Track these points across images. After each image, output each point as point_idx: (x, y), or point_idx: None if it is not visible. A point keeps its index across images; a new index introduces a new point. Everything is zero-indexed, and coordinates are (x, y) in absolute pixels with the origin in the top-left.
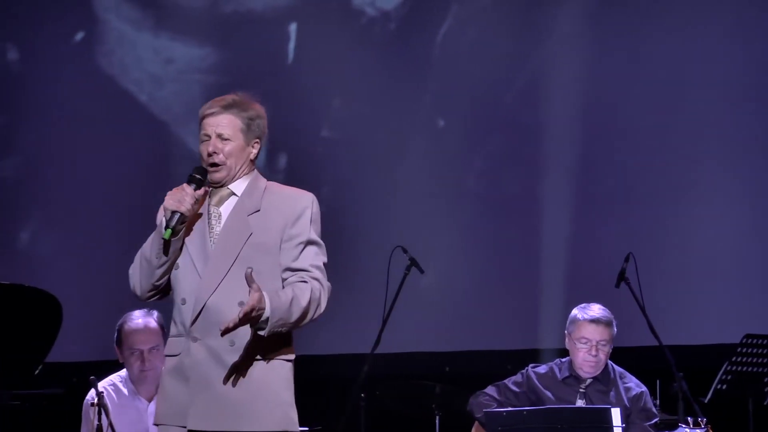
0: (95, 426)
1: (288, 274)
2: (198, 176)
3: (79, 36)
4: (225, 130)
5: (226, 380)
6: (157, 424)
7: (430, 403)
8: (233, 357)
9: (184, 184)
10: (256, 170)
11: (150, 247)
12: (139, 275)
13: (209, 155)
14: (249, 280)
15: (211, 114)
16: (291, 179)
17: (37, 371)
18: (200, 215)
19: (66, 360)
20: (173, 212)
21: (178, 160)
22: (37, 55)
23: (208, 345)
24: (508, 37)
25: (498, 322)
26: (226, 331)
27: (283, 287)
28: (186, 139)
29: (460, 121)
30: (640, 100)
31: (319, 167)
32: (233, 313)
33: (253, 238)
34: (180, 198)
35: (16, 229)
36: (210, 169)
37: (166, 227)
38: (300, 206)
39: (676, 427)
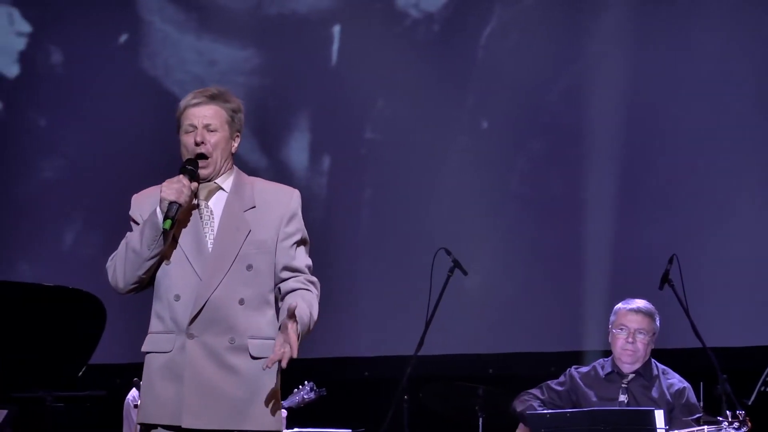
0: (139, 428)
1: (287, 274)
2: (191, 168)
3: (123, 38)
4: (212, 121)
5: (224, 378)
6: (142, 424)
7: (474, 405)
8: (232, 355)
9: (180, 176)
10: (235, 165)
11: (140, 238)
12: (123, 268)
13: (197, 144)
14: (291, 313)
15: (196, 104)
16: (334, 181)
17: (80, 373)
18: (190, 209)
19: (109, 362)
20: (171, 203)
21: None
22: (81, 57)
23: (207, 343)
24: (551, 39)
25: (541, 324)
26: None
27: (279, 287)
28: None
29: (504, 122)
30: (683, 102)
31: (362, 169)
32: (233, 311)
33: (252, 236)
34: (179, 189)
35: (59, 231)
36: (199, 160)
37: (166, 218)
38: (294, 204)
39: (718, 423)
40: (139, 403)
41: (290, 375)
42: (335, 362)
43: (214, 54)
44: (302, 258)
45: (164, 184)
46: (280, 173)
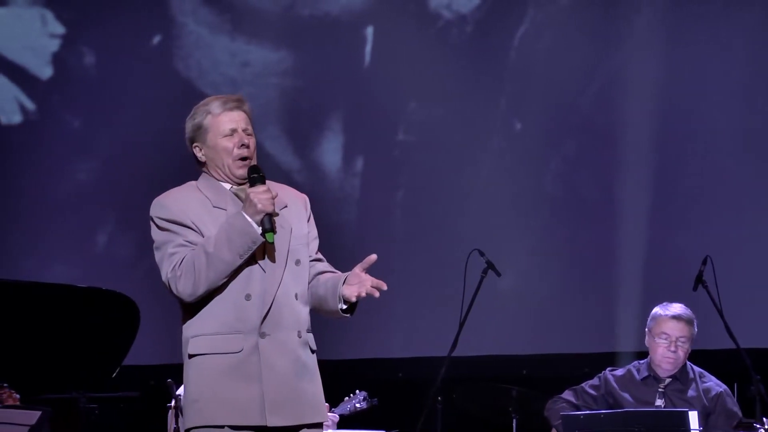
0: (173, 429)
1: (312, 263)
2: (262, 174)
3: (156, 39)
4: (247, 126)
5: (298, 374)
6: (206, 426)
7: (507, 406)
8: (301, 350)
9: (265, 186)
10: None
11: (228, 247)
12: (206, 275)
13: (242, 147)
14: (367, 264)
15: (232, 109)
16: (367, 182)
17: (114, 374)
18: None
19: (144, 363)
20: (266, 215)
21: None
22: (114, 59)
23: (280, 340)
24: (584, 41)
25: (575, 325)
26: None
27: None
28: (263, 142)
29: (537, 124)
30: (716, 103)
31: (395, 170)
32: (294, 306)
33: (294, 232)
34: (270, 199)
35: (93, 232)
36: (241, 162)
37: (268, 230)
38: (308, 204)
39: (753, 428)
40: (180, 404)
41: (325, 376)
42: (369, 363)
43: (247, 55)
44: (318, 251)
45: (253, 197)
46: (312, 174)
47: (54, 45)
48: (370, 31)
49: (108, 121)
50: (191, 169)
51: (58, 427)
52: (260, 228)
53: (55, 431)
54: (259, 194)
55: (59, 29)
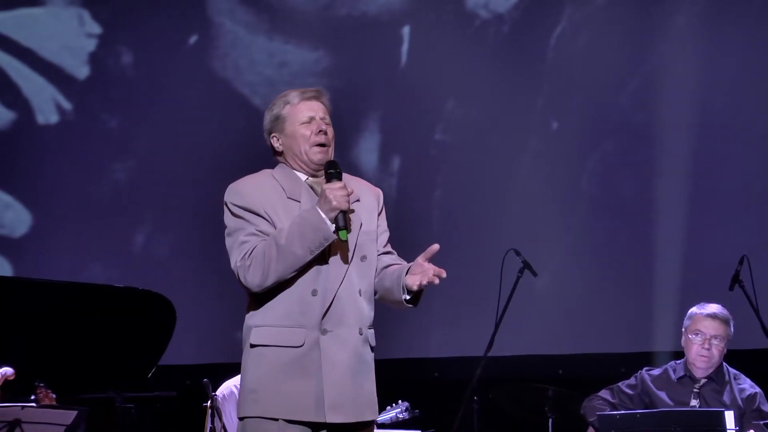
0: (208, 429)
1: (380, 256)
2: (340, 170)
3: (193, 39)
4: (326, 115)
5: (359, 370)
6: (262, 417)
7: (543, 406)
8: (362, 347)
9: (339, 182)
10: None
11: (301, 242)
12: (277, 268)
13: (319, 133)
14: (429, 254)
15: (310, 98)
16: (404, 182)
17: (150, 374)
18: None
19: (180, 363)
20: (341, 212)
21: None
22: (151, 59)
23: (341, 336)
24: (622, 39)
25: (611, 325)
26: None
27: (379, 267)
28: None
29: (574, 123)
30: (754, 102)
31: (432, 170)
32: (357, 303)
33: (363, 227)
34: (346, 197)
35: (131, 232)
36: (318, 149)
37: (342, 228)
38: (381, 198)
39: None
40: (216, 404)
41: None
42: (405, 363)
43: (284, 55)
44: (388, 244)
45: (329, 193)
46: (349, 174)
47: (91, 45)
48: (407, 30)
49: (145, 120)
50: (227, 168)
51: (95, 427)
52: (333, 225)
53: (91, 431)
54: (335, 191)
55: (96, 29)
